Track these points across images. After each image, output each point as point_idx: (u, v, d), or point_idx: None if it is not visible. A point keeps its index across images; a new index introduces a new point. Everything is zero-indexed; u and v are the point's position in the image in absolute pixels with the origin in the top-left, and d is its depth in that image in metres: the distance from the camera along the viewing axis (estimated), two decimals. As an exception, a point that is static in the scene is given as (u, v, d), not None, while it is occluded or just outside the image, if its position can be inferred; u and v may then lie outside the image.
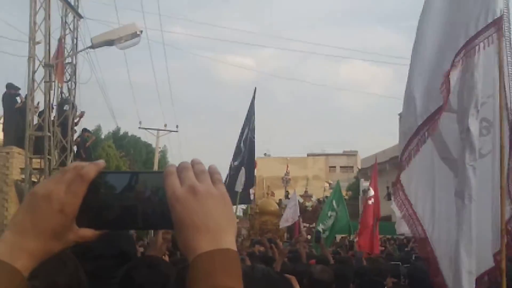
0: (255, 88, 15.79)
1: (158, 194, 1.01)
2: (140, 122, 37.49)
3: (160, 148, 41.29)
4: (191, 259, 0.94)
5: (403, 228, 11.10)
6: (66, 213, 0.97)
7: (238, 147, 15.34)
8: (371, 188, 14.79)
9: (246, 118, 15.66)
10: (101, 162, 1.03)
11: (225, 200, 1.00)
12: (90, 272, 3.66)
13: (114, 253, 4.03)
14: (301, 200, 32.27)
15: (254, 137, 15.30)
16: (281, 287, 1.97)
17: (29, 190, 1.07)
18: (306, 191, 35.59)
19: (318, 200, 34.38)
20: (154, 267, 2.86)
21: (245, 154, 14.93)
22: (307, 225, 24.26)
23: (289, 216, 21.18)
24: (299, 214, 19.99)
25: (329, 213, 15.15)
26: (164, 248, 3.33)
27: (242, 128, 15.64)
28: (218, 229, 0.96)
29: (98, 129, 45.32)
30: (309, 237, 16.15)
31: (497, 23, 3.92)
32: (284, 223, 22.07)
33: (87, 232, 1.01)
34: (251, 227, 27.06)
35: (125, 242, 4.19)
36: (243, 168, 14.59)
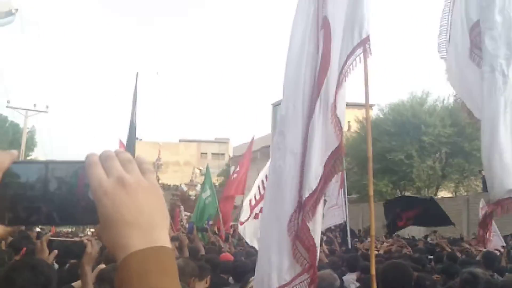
0: (137, 73, 15.31)
1: (76, 186, 0.91)
2: (8, 101, 35.97)
3: (28, 128, 39.72)
4: (121, 258, 0.85)
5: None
6: None
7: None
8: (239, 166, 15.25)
9: (132, 103, 14.86)
10: (14, 152, 0.93)
11: (157, 192, 0.91)
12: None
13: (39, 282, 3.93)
14: (185, 189, 32.06)
15: (135, 122, 14.64)
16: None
17: None
18: (191, 180, 35.27)
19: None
20: (36, 269, 2.76)
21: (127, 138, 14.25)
22: (189, 213, 24.33)
23: None
24: (179, 204, 19.93)
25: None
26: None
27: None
28: (150, 224, 0.87)
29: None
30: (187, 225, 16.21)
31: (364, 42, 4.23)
32: None
33: None
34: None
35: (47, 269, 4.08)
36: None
